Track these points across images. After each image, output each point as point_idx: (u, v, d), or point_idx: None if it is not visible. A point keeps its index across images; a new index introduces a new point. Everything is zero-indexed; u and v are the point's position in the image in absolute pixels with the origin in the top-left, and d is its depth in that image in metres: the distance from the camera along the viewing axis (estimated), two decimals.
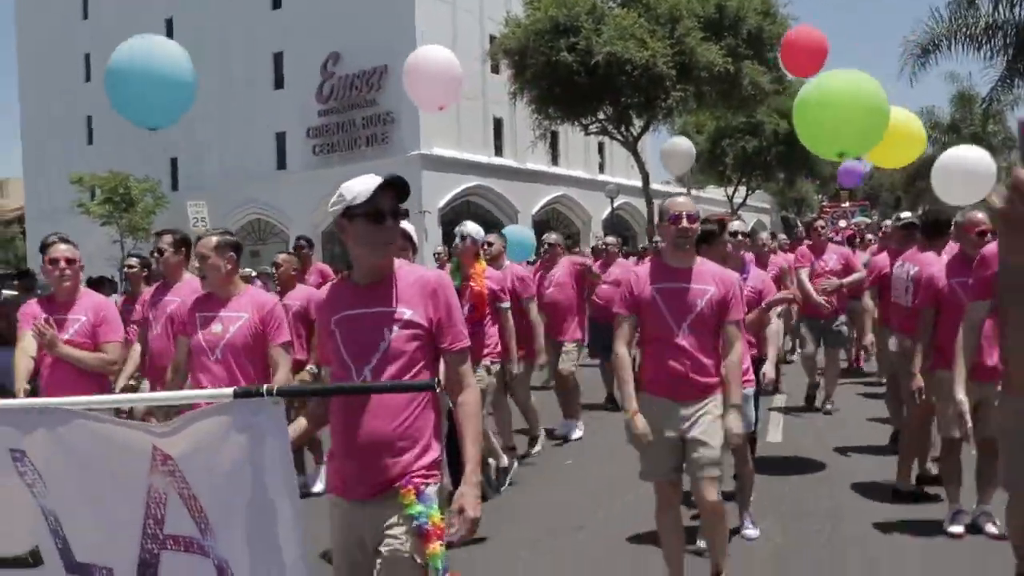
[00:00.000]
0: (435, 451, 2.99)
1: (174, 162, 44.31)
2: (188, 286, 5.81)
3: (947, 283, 5.61)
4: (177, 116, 7.72)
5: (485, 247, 8.62)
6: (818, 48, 12.22)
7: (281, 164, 40.12)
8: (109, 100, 7.29)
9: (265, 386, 2.16)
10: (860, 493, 6.71)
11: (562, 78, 25.83)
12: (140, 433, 2.22)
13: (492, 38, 37.09)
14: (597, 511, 6.55)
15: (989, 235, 5.30)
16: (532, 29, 26.49)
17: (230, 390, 2.18)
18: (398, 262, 3.08)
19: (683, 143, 19.49)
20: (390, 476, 2.91)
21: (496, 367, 7.09)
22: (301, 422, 3.20)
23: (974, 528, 5.62)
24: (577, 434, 9.21)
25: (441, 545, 2.84)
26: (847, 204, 45.36)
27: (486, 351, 6.88)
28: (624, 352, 4.45)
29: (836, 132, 7.56)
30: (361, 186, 2.92)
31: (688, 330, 4.31)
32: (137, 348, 6.18)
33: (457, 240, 7.05)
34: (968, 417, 4.30)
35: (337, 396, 3.05)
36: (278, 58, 40.24)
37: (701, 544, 5.27)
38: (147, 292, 6.46)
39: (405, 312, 2.96)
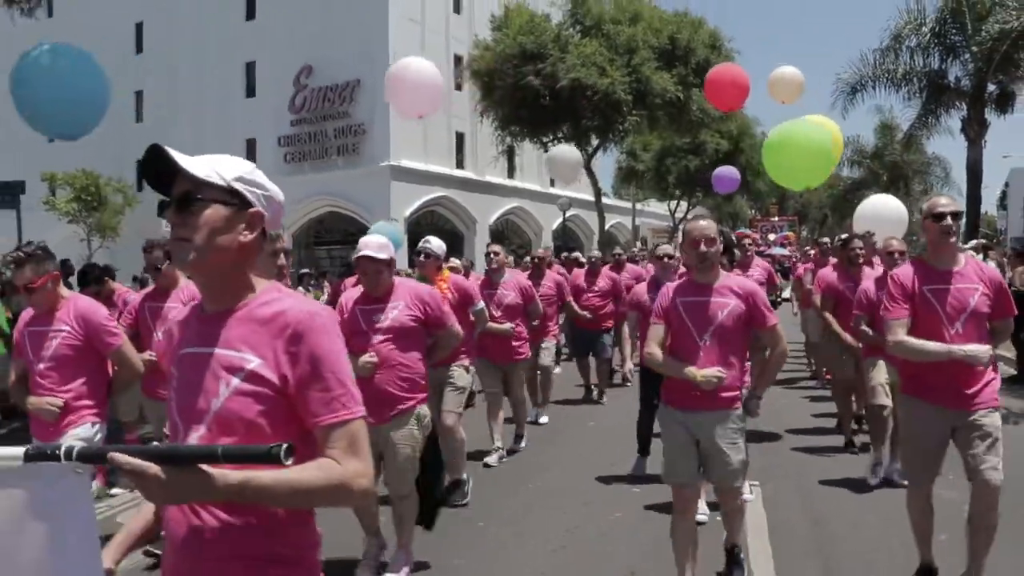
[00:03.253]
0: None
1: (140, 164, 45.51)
2: (187, 291, 5.65)
3: (876, 295, 6.87)
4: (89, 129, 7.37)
5: (492, 256, 8.85)
6: (742, 85, 13.54)
7: None
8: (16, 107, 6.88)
9: (63, 447, 1.73)
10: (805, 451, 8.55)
11: (528, 100, 28.20)
12: None
13: (457, 58, 39.41)
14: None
15: (898, 255, 6.78)
16: (501, 53, 28.78)
17: (20, 451, 1.74)
18: (268, 285, 2.14)
19: (569, 152, 18.70)
20: None
21: (472, 368, 7.42)
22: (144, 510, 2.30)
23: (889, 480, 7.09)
24: (544, 419, 10.34)
25: None
26: (776, 218, 48.42)
27: (462, 354, 6.99)
28: (656, 349, 4.67)
29: (801, 170, 8.97)
30: None
31: (709, 341, 4.53)
32: None
33: (422, 257, 7.04)
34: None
35: None
36: (250, 67, 41.53)
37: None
38: (135, 298, 6.31)
39: (249, 360, 2.01)
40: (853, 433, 8.74)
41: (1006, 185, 78.91)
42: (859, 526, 6.22)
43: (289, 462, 1.68)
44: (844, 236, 9.03)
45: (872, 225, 9.86)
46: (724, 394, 4.55)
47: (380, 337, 5.12)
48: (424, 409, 5.22)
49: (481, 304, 7.29)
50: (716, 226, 4.74)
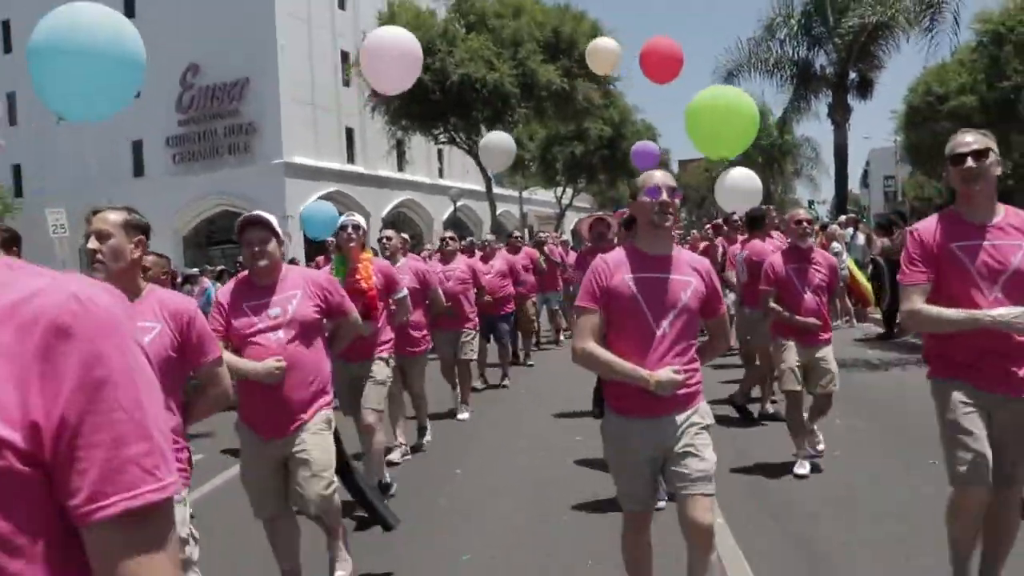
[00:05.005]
0: None
1: (17, 169, 44.24)
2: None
3: (784, 269, 6.57)
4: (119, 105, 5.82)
5: (385, 241, 7.98)
6: (675, 57, 13.11)
7: (139, 171, 40.75)
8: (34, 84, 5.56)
9: None
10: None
11: (418, 95, 28.88)
12: None
13: (344, 53, 39.77)
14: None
15: (806, 224, 6.58)
16: None
17: None
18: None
19: (503, 138, 17.65)
20: None
21: (392, 361, 6.68)
22: None
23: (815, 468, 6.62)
24: (464, 415, 9.61)
25: None
26: None
27: (382, 346, 6.45)
28: (593, 344, 3.63)
29: (724, 138, 8.61)
30: None
31: (668, 328, 3.60)
32: None
33: (349, 230, 6.24)
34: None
35: None
36: None
37: None
38: None
39: None
40: (748, 400, 8.69)
41: (867, 164, 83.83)
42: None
43: None
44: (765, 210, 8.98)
45: (731, 197, 10.13)
46: (688, 390, 3.64)
47: (281, 335, 4.28)
48: (329, 412, 4.48)
49: (404, 292, 6.66)
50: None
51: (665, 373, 3.51)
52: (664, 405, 3.59)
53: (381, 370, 6.39)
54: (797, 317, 6.54)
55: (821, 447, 6.83)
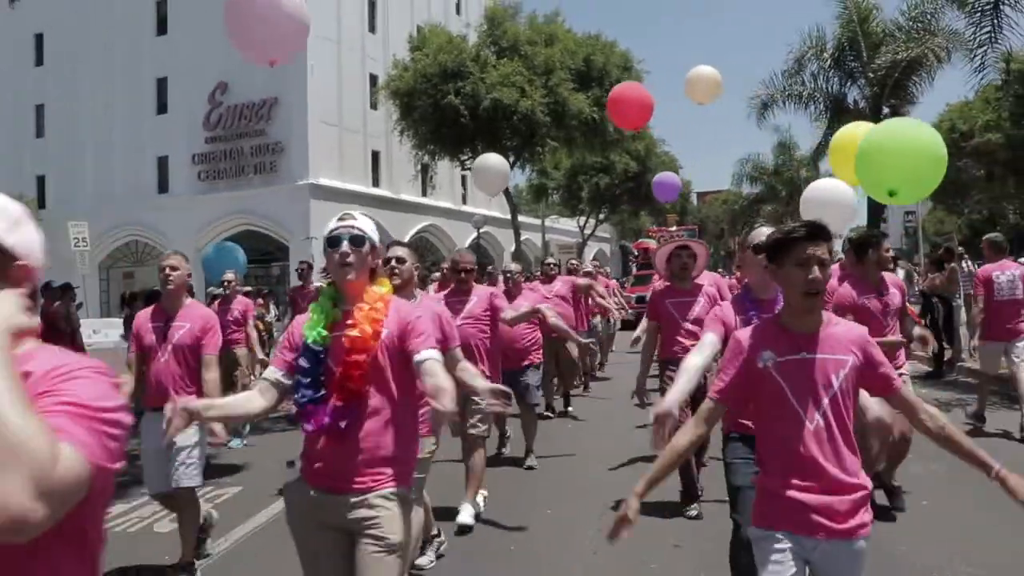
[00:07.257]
0: None
1: (41, 180, 44.33)
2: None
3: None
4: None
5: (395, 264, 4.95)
6: (645, 104, 13.48)
7: (163, 188, 40.74)
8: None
9: None
10: None
11: (448, 119, 28.84)
12: None
13: (372, 77, 39.82)
14: None
15: None
16: (420, 73, 29.35)
17: None
18: None
19: (497, 162, 16.42)
20: None
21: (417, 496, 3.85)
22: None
23: None
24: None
25: None
26: (675, 228, 50.26)
27: (402, 469, 3.25)
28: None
29: (897, 174, 7.50)
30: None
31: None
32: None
33: (345, 247, 3.18)
34: None
35: None
36: (162, 83, 41.00)
37: None
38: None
39: None
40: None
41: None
42: None
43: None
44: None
45: (820, 211, 9.49)
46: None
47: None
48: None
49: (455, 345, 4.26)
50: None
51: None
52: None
53: (390, 522, 3.10)
54: None
55: None
